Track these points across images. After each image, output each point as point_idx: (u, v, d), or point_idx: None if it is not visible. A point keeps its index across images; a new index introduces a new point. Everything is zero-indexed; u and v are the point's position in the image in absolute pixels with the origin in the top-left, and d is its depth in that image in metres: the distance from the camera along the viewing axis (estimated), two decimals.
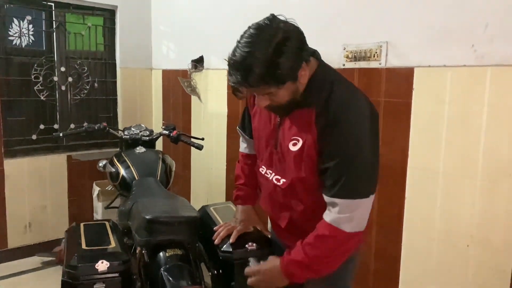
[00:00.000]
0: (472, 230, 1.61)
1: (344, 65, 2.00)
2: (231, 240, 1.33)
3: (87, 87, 3.33)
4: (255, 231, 1.42)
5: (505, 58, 1.48)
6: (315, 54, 1.21)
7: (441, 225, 1.71)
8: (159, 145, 3.09)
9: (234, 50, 1.10)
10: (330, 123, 1.11)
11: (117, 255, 1.28)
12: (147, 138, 2.31)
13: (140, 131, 2.34)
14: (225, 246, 1.30)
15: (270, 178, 1.30)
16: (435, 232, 1.72)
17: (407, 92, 1.78)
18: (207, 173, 3.09)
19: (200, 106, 3.10)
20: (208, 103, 3.02)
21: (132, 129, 2.36)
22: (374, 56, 1.88)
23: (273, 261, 1.22)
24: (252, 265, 1.24)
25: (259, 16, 2.41)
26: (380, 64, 1.85)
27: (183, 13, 3.21)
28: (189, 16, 3.13)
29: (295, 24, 1.13)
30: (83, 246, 1.29)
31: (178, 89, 3.27)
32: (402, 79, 1.79)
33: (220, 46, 2.86)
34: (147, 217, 1.30)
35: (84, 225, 1.48)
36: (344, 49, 1.99)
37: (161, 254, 1.31)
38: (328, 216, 1.15)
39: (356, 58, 1.95)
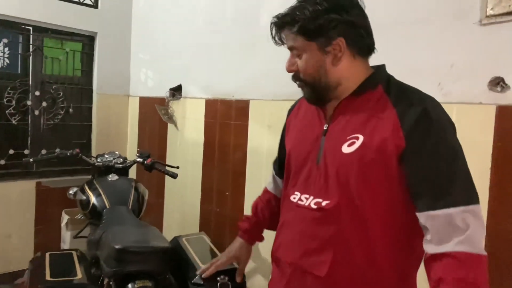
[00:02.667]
0: None
1: None
2: (205, 275, 1.22)
3: (62, 112, 3.28)
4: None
5: (469, 97, 1.56)
6: (380, 68, 1.08)
7: None
8: (132, 172, 3.05)
9: None
10: (422, 117, 0.93)
11: (83, 287, 1.24)
12: (121, 165, 2.28)
13: (114, 158, 2.30)
14: (196, 278, 1.28)
15: (306, 204, 1.01)
16: None
17: None
18: (181, 203, 3.05)
19: (176, 134, 3.10)
20: (185, 131, 3.02)
21: (106, 156, 2.32)
22: None
23: None
24: None
25: (238, 49, 2.50)
26: None
27: (162, 41, 3.25)
28: (169, 45, 3.17)
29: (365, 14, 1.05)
30: (47, 277, 1.23)
31: (155, 116, 3.27)
32: None
33: (198, 75, 2.89)
34: (117, 246, 1.27)
35: (50, 255, 1.43)
36: None
37: (129, 286, 1.27)
38: (449, 244, 0.86)
39: None
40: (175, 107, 3.09)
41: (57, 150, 3.08)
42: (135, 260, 1.29)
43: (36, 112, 3.15)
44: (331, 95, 1.03)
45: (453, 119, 1.59)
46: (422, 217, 0.91)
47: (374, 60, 1.85)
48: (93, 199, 1.97)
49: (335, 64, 1.00)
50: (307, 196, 1.02)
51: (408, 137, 0.91)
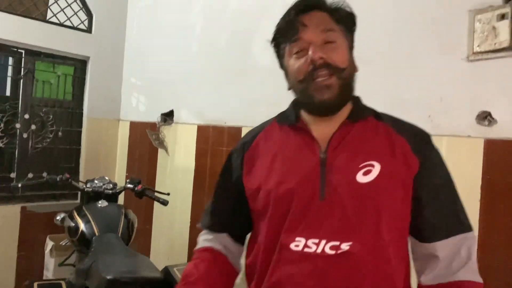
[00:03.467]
0: None
1: None
2: None
3: (50, 136, 3.25)
4: None
5: (458, 129, 1.60)
6: (359, 98, 1.03)
7: None
8: (120, 198, 3.01)
9: None
10: (428, 143, 0.95)
11: None
12: (110, 191, 2.25)
13: (104, 184, 2.28)
14: None
15: (319, 251, 0.82)
16: None
17: None
18: (169, 230, 3.00)
19: (166, 160, 3.08)
20: (176, 157, 3.01)
21: (95, 181, 2.29)
22: None
23: None
24: None
25: (231, 75, 2.55)
26: None
27: (155, 67, 3.28)
28: (162, 70, 3.20)
29: None
30: None
31: (145, 141, 3.26)
32: None
33: (190, 101, 2.91)
34: (108, 277, 1.24)
35: (38, 285, 1.39)
36: None
37: None
38: (463, 271, 0.85)
39: None
40: (166, 132, 3.09)
41: (45, 174, 3.06)
42: None
43: (25, 135, 3.12)
44: (346, 102, 0.93)
45: (443, 151, 1.64)
46: (438, 246, 0.87)
47: (367, 91, 1.90)
48: (82, 226, 1.94)
49: (354, 65, 0.96)
50: (315, 240, 0.82)
51: (421, 161, 0.89)
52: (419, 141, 0.92)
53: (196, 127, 2.82)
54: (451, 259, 0.86)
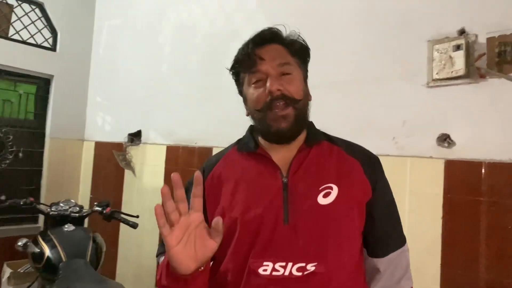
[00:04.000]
0: None
1: None
2: None
3: (10, 157, 3.12)
4: None
5: (421, 151, 1.70)
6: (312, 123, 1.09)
7: None
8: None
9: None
10: (378, 166, 1.00)
11: None
12: (77, 214, 2.18)
13: (70, 207, 2.20)
14: None
15: (286, 273, 0.85)
16: None
17: None
18: (137, 253, 2.93)
19: (134, 181, 3.03)
20: (144, 177, 2.97)
21: (61, 204, 2.21)
22: None
23: None
24: None
25: (201, 97, 2.60)
26: None
27: (122, 86, 3.25)
28: (129, 90, 3.17)
29: None
30: None
31: (111, 162, 3.19)
32: None
33: (159, 121, 2.90)
34: None
35: None
36: None
37: None
38: (404, 280, 0.96)
39: None
40: (134, 153, 3.05)
41: (3, 197, 2.91)
42: None
43: None
44: (300, 132, 0.98)
45: (407, 171, 1.74)
46: (384, 261, 0.96)
47: (336, 114, 1.97)
48: (47, 252, 1.86)
49: (308, 98, 1.01)
50: (283, 264, 0.85)
51: (373, 185, 0.96)
52: (371, 165, 0.99)
53: (165, 147, 2.81)
54: (394, 271, 0.96)
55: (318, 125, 2.00)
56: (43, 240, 1.95)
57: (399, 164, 1.76)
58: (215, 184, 0.98)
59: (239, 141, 1.06)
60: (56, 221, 2.15)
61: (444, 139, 1.64)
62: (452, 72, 1.60)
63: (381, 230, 0.97)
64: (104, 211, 2.14)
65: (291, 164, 0.94)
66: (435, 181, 1.64)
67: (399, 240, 1.00)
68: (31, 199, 2.12)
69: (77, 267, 1.74)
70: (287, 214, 0.88)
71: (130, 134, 3.07)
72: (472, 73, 1.56)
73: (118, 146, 3.14)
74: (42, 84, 3.31)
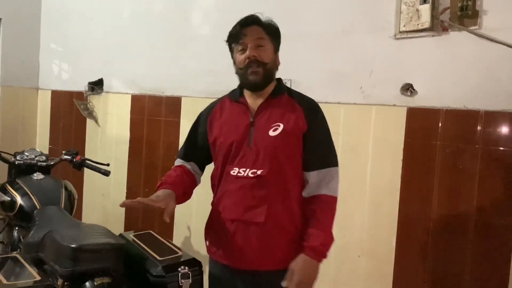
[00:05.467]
0: (362, 243, 1.89)
1: None
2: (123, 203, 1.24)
3: None
4: (185, 256, 1.45)
5: (385, 99, 1.83)
6: (281, 80, 1.53)
7: (337, 240, 1.96)
8: None
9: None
10: (316, 112, 1.43)
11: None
12: (44, 163, 2.15)
13: (36, 156, 2.16)
14: (158, 270, 1.31)
15: (245, 174, 1.36)
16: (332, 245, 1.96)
17: None
18: (103, 201, 2.95)
19: (97, 131, 2.98)
20: (107, 127, 2.93)
21: (26, 153, 2.16)
22: None
23: (301, 259, 1.31)
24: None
25: (168, 46, 2.63)
26: None
27: (79, 32, 3.09)
28: (87, 36, 3.03)
29: None
30: (4, 281, 1.16)
31: (70, 111, 3.10)
32: None
33: (122, 70, 2.83)
34: (72, 245, 1.24)
35: None
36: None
37: (88, 284, 1.25)
38: (323, 189, 1.37)
39: None
40: (96, 102, 2.97)
41: None
42: (92, 258, 1.27)
43: None
44: (267, 86, 1.42)
45: (372, 118, 1.87)
46: (312, 175, 1.39)
47: (306, 65, 2.04)
48: (19, 200, 1.84)
49: (277, 63, 1.46)
50: (244, 169, 1.37)
51: (308, 123, 1.40)
52: (310, 109, 1.43)
53: (130, 96, 2.76)
54: (319, 183, 1.39)
55: (288, 75, 2.07)
56: (12, 188, 1.92)
57: (365, 112, 1.88)
58: (213, 119, 1.48)
59: (230, 92, 1.51)
60: (22, 170, 2.11)
61: (407, 89, 1.77)
62: (418, 24, 1.70)
63: (311, 152, 1.40)
64: (74, 160, 2.12)
65: (257, 109, 1.41)
66: (397, 127, 1.79)
67: (326, 162, 1.40)
68: None
69: (53, 213, 1.75)
70: (251, 140, 1.38)
71: (90, 83, 2.97)
72: (436, 26, 1.67)
73: (78, 95, 3.04)
74: None
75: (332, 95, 1.98)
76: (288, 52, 2.12)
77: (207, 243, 1.48)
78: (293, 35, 2.08)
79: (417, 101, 1.75)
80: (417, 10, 1.70)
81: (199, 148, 1.52)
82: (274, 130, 1.36)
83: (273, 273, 1.36)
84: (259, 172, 1.35)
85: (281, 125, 1.37)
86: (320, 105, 1.97)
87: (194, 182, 1.54)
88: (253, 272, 1.38)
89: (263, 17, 1.43)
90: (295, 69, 2.08)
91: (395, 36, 1.78)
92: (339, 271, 1.95)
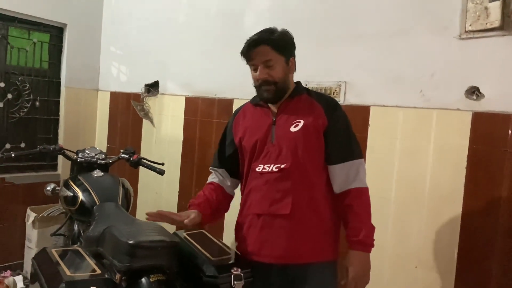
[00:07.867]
0: (419, 253, 1.80)
1: None
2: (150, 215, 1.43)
3: (28, 106, 3.14)
4: (236, 257, 1.46)
5: (447, 103, 1.73)
6: (299, 82, 1.61)
7: (392, 248, 1.88)
8: None
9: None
10: (335, 107, 1.50)
11: (108, 282, 1.27)
12: (103, 161, 2.24)
13: (96, 154, 2.26)
14: (211, 270, 1.32)
15: (269, 170, 1.45)
16: (387, 254, 1.89)
17: (363, 127, 1.97)
18: (156, 199, 3.03)
19: (152, 131, 3.07)
20: (162, 128, 3.01)
21: (87, 151, 2.27)
22: (333, 94, 2.06)
23: (351, 255, 1.41)
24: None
25: (221, 48, 2.65)
26: (339, 101, 2.04)
27: (137, 36, 3.20)
28: (144, 39, 3.14)
29: None
30: (68, 273, 1.22)
31: (127, 112, 3.22)
32: (359, 115, 1.98)
33: (177, 72, 2.90)
34: (130, 241, 1.28)
35: (56, 251, 1.41)
36: (306, 85, 2.15)
37: (143, 280, 1.28)
38: (353, 183, 1.44)
39: None
40: (151, 103, 3.07)
41: (23, 145, 2.96)
42: (148, 255, 1.30)
43: (1, 105, 2.99)
44: (284, 95, 1.51)
45: (433, 123, 1.78)
46: (336, 168, 1.46)
47: (364, 66, 1.98)
48: (80, 195, 1.93)
49: (292, 71, 1.53)
50: (268, 165, 1.46)
51: (329, 119, 1.47)
52: (329, 106, 1.49)
53: (184, 98, 2.83)
54: (346, 178, 1.45)
55: (342, 77, 2.02)
56: (75, 184, 2.02)
57: (425, 116, 1.79)
58: (238, 124, 1.61)
59: (252, 99, 1.62)
60: (83, 167, 2.21)
61: (473, 92, 1.67)
62: (486, 23, 1.60)
63: (333, 146, 1.46)
64: (132, 158, 2.19)
65: (278, 110, 1.52)
66: (461, 132, 1.69)
67: (350, 155, 1.46)
68: (60, 145, 2.16)
69: (111, 210, 1.81)
70: (273, 137, 1.48)
71: (146, 85, 3.07)
72: (507, 24, 1.56)
73: (135, 97, 3.15)
74: (55, 32, 3.26)
75: (389, 98, 1.90)
76: (342, 54, 2.09)
77: (237, 243, 1.57)
78: (348, 36, 2.04)
79: (484, 105, 1.64)
80: (486, 8, 1.59)
81: (229, 155, 1.61)
82: (295, 126, 1.45)
83: (304, 267, 1.44)
84: (282, 166, 1.43)
85: (302, 121, 1.45)
86: (377, 108, 1.93)
87: (227, 196, 1.64)
88: (284, 266, 1.44)
89: (274, 29, 1.48)
90: (349, 72, 2.03)
91: (460, 36, 1.69)
92: (394, 282, 1.87)
